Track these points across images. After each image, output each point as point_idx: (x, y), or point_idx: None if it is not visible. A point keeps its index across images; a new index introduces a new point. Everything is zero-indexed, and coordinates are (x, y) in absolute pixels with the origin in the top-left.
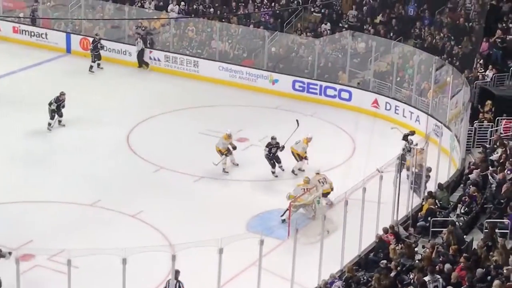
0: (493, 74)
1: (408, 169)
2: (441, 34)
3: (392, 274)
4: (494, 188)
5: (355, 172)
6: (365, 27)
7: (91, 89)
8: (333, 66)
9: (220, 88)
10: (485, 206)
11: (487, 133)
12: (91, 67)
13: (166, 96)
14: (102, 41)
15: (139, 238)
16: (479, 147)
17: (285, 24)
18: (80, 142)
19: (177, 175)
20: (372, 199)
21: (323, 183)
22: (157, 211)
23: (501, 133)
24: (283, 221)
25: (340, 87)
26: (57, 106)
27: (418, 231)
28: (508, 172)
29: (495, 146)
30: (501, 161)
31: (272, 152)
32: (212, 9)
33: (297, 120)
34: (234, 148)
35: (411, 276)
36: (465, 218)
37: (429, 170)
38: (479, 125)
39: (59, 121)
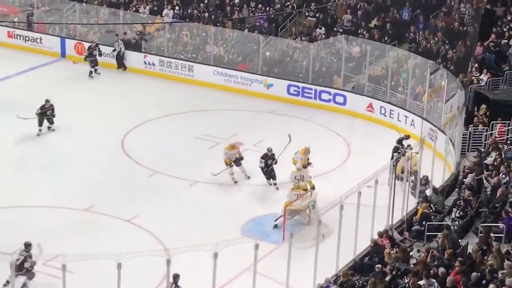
0: (487, 78)
1: (402, 172)
2: (436, 38)
3: (387, 278)
4: (489, 192)
5: (350, 176)
6: (359, 31)
7: (86, 94)
8: (328, 70)
9: (215, 92)
10: (480, 210)
11: (481, 137)
12: (90, 72)
13: (161, 101)
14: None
15: (134, 243)
16: (474, 151)
17: (279, 29)
18: (74, 147)
19: (172, 180)
20: (367, 203)
21: (299, 180)
22: (152, 215)
23: (495, 137)
24: (276, 226)
25: (335, 91)
26: (40, 113)
27: (413, 235)
28: (503, 176)
29: (490, 150)
30: (495, 165)
31: (268, 164)
32: (206, 14)
33: (289, 135)
34: (241, 158)
35: (406, 280)
36: (460, 222)
37: (426, 179)
38: (474, 129)
39: (49, 127)
